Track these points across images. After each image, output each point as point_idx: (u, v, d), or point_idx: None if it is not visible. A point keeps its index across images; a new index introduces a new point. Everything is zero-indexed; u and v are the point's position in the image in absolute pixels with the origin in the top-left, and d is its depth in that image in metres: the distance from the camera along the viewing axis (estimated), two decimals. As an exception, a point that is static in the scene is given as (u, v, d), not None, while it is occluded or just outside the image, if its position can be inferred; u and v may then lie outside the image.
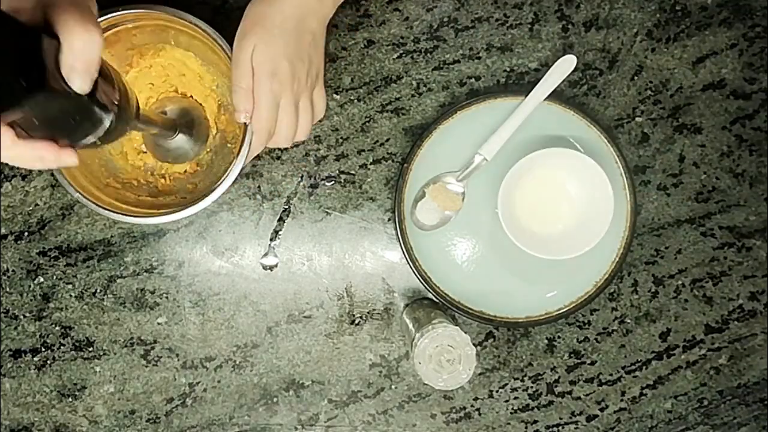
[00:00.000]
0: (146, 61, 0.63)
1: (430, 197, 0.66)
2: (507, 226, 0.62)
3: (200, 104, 0.64)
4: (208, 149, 0.64)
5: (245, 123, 0.54)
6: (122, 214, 0.58)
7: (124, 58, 0.62)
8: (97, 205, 0.57)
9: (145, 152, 0.64)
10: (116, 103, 0.41)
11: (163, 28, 0.60)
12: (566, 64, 0.66)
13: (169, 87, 0.64)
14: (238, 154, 0.55)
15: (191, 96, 0.64)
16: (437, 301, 0.67)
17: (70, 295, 0.68)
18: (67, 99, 0.36)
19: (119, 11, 0.56)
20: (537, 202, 0.66)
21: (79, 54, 0.35)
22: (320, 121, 0.64)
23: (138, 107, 0.46)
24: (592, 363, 0.71)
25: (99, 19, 0.55)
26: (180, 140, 0.61)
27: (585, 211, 0.65)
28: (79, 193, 0.57)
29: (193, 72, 0.64)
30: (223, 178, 0.56)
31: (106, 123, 0.41)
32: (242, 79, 0.53)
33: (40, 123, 0.36)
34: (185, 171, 0.65)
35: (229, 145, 0.64)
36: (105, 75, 0.40)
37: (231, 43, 0.55)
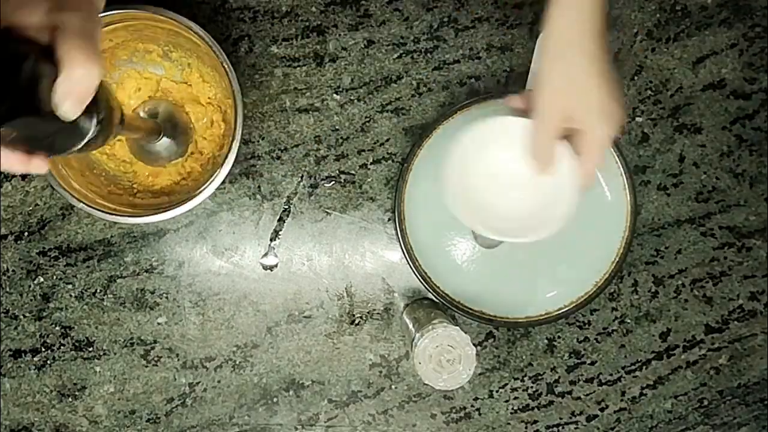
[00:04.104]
0: (132, 64, 0.63)
1: None
2: (456, 206, 0.56)
3: (183, 106, 0.64)
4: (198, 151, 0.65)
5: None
6: (117, 214, 0.59)
7: (112, 57, 0.62)
8: (96, 209, 0.58)
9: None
10: (100, 119, 0.41)
11: (168, 32, 0.59)
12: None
13: (154, 90, 0.64)
14: (222, 164, 0.56)
15: (175, 101, 0.64)
16: (437, 301, 0.67)
17: (70, 295, 0.68)
18: (52, 122, 0.36)
19: (116, 10, 0.56)
20: (495, 182, 0.58)
21: (76, 84, 0.35)
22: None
23: (122, 117, 0.45)
24: (592, 363, 0.71)
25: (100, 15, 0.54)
26: (164, 143, 0.61)
27: (546, 185, 0.55)
28: (82, 202, 0.58)
29: (193, 80, 0.64)
30: (203, 189, 0.57)
31: (88, 137, 0.40)
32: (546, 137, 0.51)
33: (19, 139, 0.36)
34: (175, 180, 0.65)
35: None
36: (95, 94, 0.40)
37: (221, 45, 0.55)
